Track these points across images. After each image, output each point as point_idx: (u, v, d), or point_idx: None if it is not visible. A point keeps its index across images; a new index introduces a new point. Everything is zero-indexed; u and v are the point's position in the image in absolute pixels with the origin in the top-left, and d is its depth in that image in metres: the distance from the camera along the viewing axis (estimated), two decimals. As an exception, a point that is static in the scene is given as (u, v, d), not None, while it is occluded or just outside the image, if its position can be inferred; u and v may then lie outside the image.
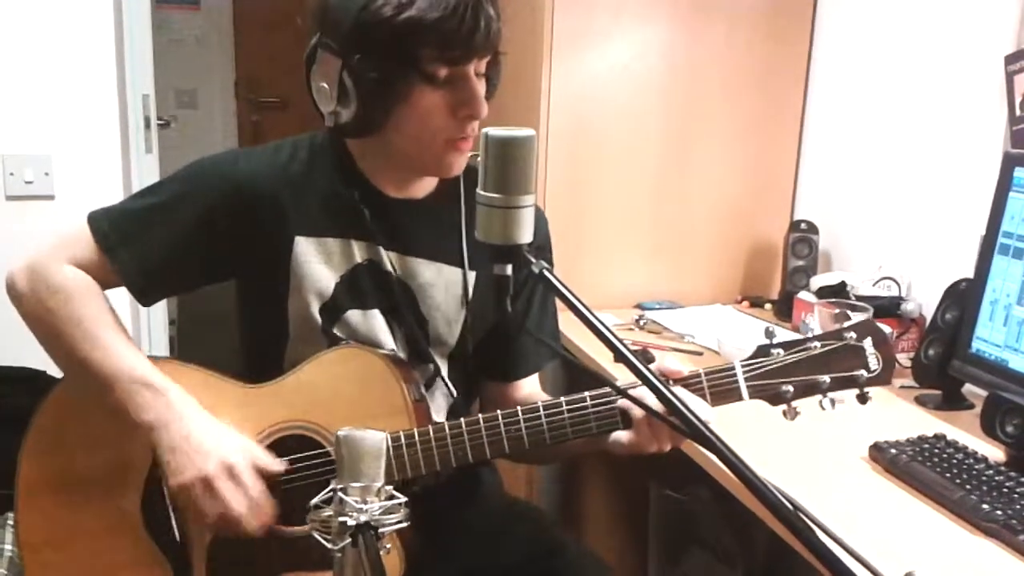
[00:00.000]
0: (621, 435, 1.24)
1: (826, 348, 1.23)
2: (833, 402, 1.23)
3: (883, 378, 1.23)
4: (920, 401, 1.78)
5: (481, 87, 1.30)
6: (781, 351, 1.23)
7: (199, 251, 1.35)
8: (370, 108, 1.26)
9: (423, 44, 1.22)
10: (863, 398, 1.23)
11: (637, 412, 1.21)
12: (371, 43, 1.23)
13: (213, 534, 1.30)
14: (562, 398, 1.23)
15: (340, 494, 0.88)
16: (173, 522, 1.31)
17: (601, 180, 2.37)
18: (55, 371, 1.38)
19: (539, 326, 1.52)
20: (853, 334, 1.23)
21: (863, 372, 1.22)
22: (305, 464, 1.30)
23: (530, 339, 1.52)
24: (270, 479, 1.28)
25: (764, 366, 1.22)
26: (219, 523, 1.25)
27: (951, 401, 1.76)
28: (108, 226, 1.35)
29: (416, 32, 1.21)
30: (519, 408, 1.24)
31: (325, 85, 1.28)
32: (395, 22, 1.21)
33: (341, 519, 0.87)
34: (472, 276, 1.43)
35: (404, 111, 1.27)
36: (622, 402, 1.20)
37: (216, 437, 1.26)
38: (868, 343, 1.23)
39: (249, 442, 1.28)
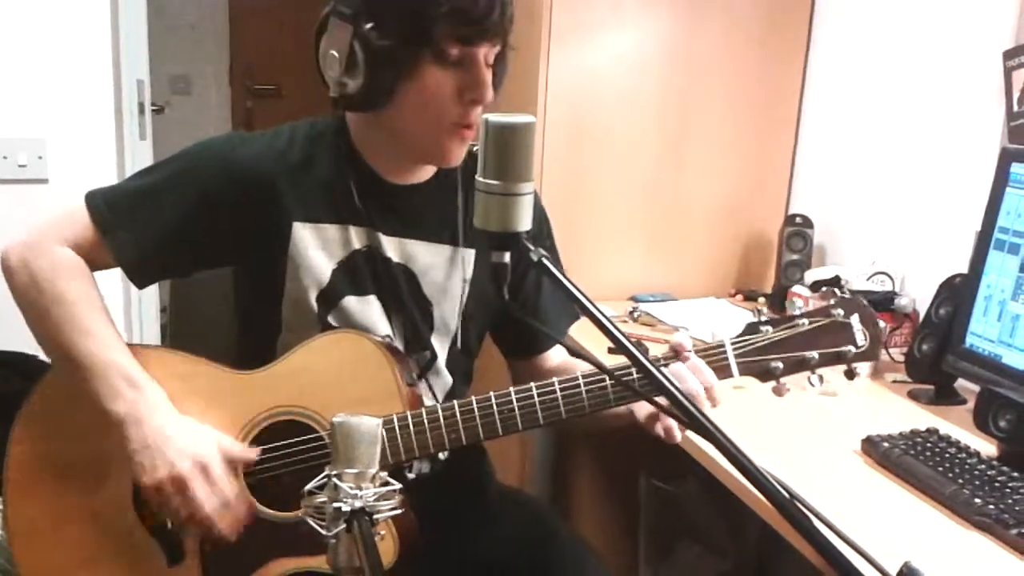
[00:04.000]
0: (636, 409, 1.27)
1: (814, 324, 1.24)
2: (821, 378, 1.24)
3: (870, 354, 1.25)
4: (913, 396, 1.79)
5: (490, 75, 1.30)
6: (770, 328, 1.24)
7: (196, 234, 1.34)
8: (377, 79, 1.25)
9: (438, 19, 1.22)
10: (850, 374, 1.24)
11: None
12: (386, 12, 1.23)
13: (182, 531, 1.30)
14: (554, 379, 1.24)
15: (335, 480, 0.88)
16: None
17: (597, 172, 2.37)
18: (46, 356, 1.37)
19: (557, 300, 1.53)
20: (840, 311, 1.25)
21: (851, 348, 1.24)
22: (298, 449, 1.30)
23: (550, 309, 1.52)
24: (246, 467, 1.28)
25: (753, 343, 1.24)
26: (189, 523, 1.25)
27: (944, 396, 1.77)
28: (105, 206, 1.34)
29: (432, 5, 1.21)
30: (512, 389, 1.24)
31: (335, 53, 1.27)
32: None
33: (335, 505, 0.87)
34: (471, 254, 1.43)
35: (410, 88, 1.27)
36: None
37: (189, 434, 1.25)
38: (855, 319, 1.24)
39: (220, 435, 1.27)
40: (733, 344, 1.25)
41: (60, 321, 1.28)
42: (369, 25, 1.23)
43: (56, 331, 1.28)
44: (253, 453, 1.29)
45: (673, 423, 1.25)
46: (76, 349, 1.27)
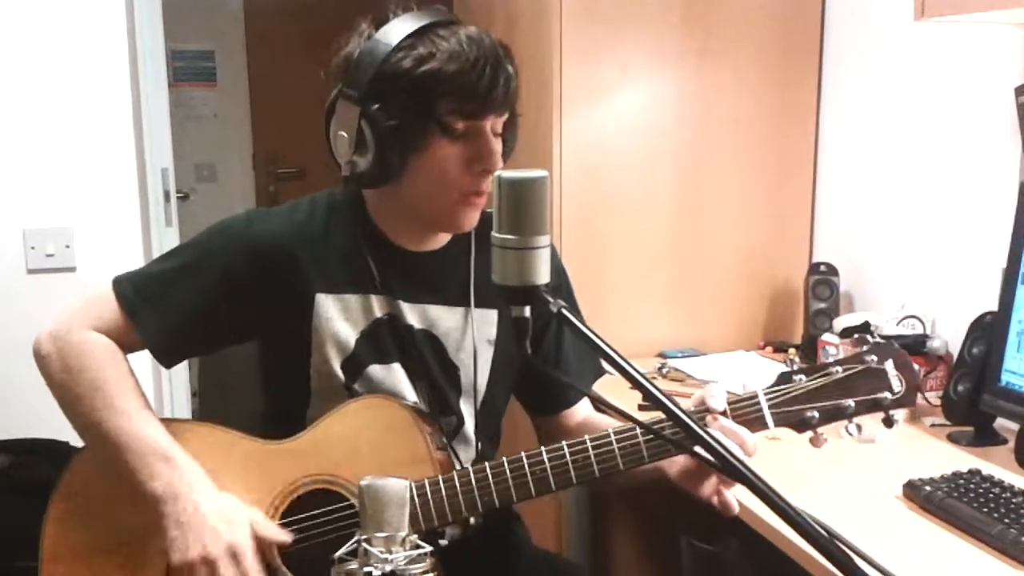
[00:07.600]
0: (667, 466, 1.25)
1: (848, 372, 1.22)
2: (859, 428, 1.21)
3: (907, 400, 1.22)
4: (952, 439, 1.75)
5: (497, 144, 1.32)
6: (803, 377, 1.22)
7: (220, 312, 1.36)
8: (387, 156, 1.28)
9: (441, 96, 1.25)
10: (889, 422, 1.21)
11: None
12: (391, 92, 1.26)
13: None
14: (585, 436, 1.23)
15: (364, 545, 0.87)
16: None
17: (617, 230, 2.37)
18: (79, 441, 1.37)
19: (578, 354, 1.53)
20: (874, 357, 1.22)
21: (887, 394, 1.21)
22: (329, 519, 1.29)
23: (572, 364, 1.52)
24: (280, 550, 1.26)
25: (787, 393, 1.21)
26: None
27: (984, 436, 1.73)
28: (131, 290, 1.36)
29: (435, 84, 1.25)
30: (542, 448, 1.23)
31: (344, 134, 1.30)
32: (415, 73, 1.25)
33: (366, 570, 0.86)
34: (493, 315, 1.44)
35: (420, 162, 1.29)
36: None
37: (223, 514, 1.24)
38: (889, 365, 1.22)
39: (256, 515, 1.26)
40: (767, 394, 1.22)
41: (94, 404, 1.29)
42: (376, 106, 1.26)
43: (89, 413, 1.29)
44: (287, 536, 1.27)
45: (731, 497, 1.23)
46: (110, 429, 1.28)
